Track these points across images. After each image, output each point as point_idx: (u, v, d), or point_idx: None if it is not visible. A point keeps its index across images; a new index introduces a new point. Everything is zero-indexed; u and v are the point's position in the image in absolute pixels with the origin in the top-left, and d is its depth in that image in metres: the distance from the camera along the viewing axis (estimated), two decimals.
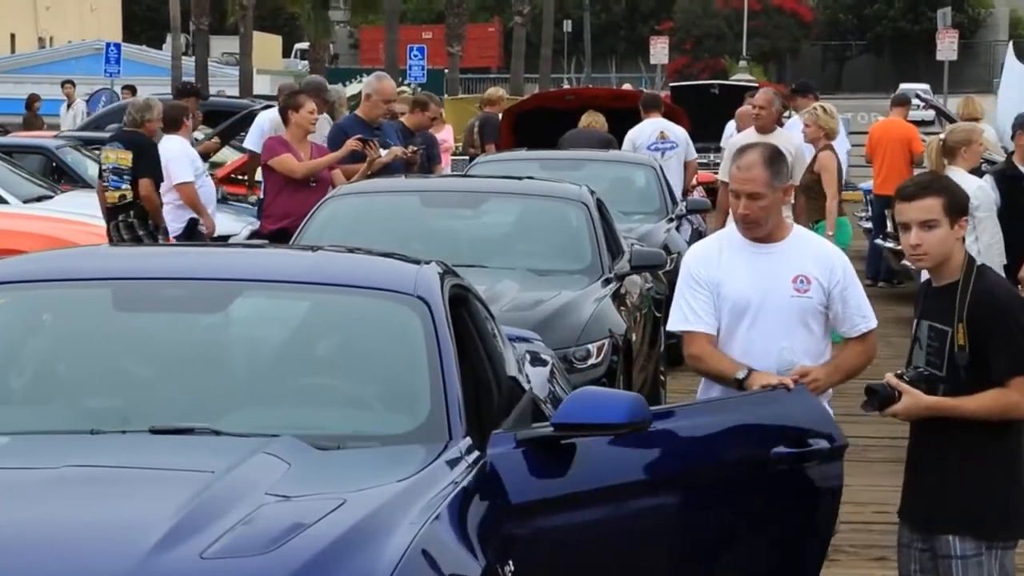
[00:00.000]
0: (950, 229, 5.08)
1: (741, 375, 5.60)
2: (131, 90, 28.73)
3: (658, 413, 5.24)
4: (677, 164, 15.46)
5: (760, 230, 5.74)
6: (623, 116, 16.76)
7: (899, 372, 5.14)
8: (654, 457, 5.09)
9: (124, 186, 11.59)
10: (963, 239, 5.18)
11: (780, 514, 5.31)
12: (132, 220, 11.60)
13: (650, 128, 15.72)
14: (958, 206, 5.13)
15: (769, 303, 5.69)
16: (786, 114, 17.10)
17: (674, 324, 5.80)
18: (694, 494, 5.19)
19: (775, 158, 5.81)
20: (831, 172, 11.46)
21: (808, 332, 5.75)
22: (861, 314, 5.81)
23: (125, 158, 11.64)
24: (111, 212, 11.73)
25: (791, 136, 12.31)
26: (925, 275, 5.45)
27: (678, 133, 15.84)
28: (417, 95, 15.61)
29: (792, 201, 11.60)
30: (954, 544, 5.05)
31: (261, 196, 13.43)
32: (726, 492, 5.24)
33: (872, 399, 5.07)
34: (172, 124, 12.26)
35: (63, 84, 29.86)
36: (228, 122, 16.92)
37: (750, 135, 11.95)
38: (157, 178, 11.77)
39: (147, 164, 11.68)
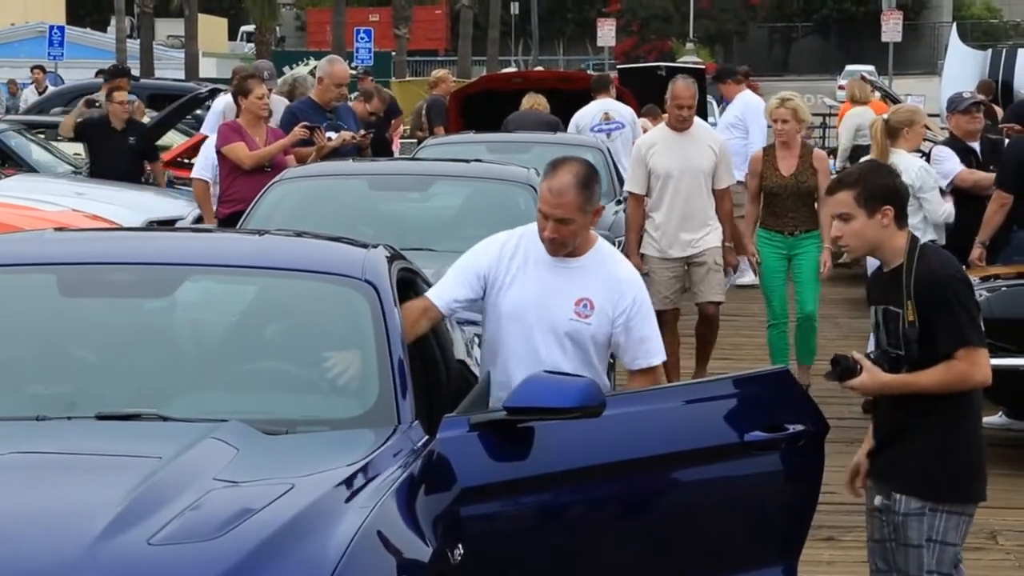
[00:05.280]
0: (868, 219, 5.20)
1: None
2: (40, 69, 28.61)
3: (625, 397, 5.25)
4: (624, 145, 15.20)
5: (565, 250, 5.60)
6: (571, 98, 16.74)
7: (867, 353, 5.30)
8: (614, 442, 5.04)
9: None
10: (895, 224, 5.22)
11: (754, 500, 5.27)
12: None
13: (594, 109, 15.63)
14: (874, 196, 5.21)
15: (544, 320, 5.53)
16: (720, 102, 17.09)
17: (431, 292, 5.62)
18: (658, 479, 5.16)
19: (590, 179, 5.55)
20: (826, 174, 10.24)
21: (577, 354, 5.54)
22: (644, 347, 5.60)
23: None
24: None
25: (713, 133, 11.27)
26: (873, 263, 5.54)
27: (624, 113, 15.65)
28: (364, 86, 15.59)
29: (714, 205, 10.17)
30: (901, 502, 5.22)
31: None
32: (693, 477, 5.19)
33: (835, 369, 5.21)
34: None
35: (32, 69, 29.52)
36: (173, 105, 16.84)
37: (662, 131, 10.61)
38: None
39: None
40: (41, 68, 28.53)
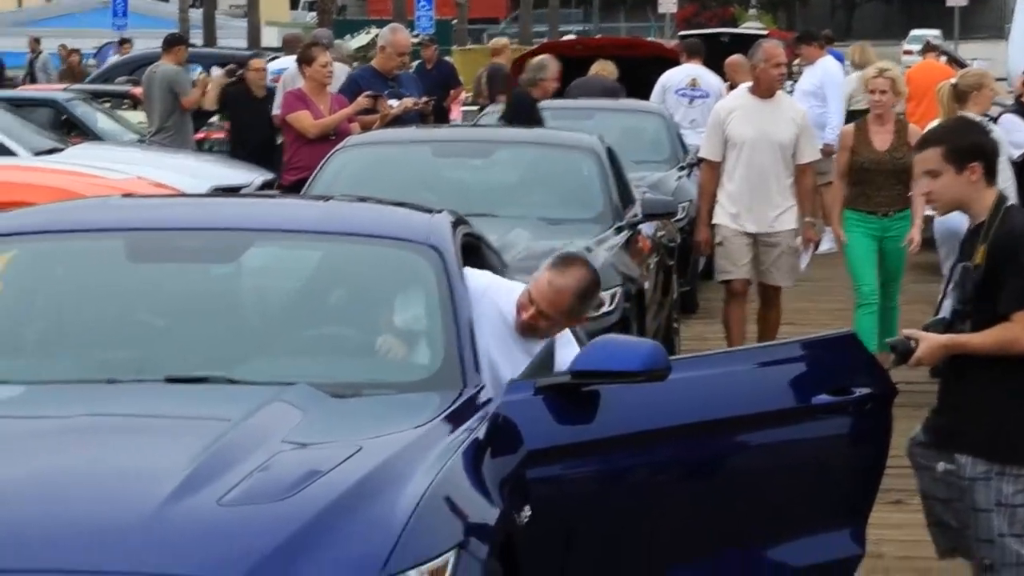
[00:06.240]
0: (956, 175, 5.17)
1: None
2: (128, 43, 28.87)
3: (690, 361, 5.24)
4: (704, 115, 14.49)
5: (534, 336, 5.37)
6: (633, 65, 16.70)
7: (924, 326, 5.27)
8: (679, 406, 5.04)
9: None
10: (984, 180, 5.18)
11: (821, 463, 5.26)
12: None
13: (683, 73, 15.56)
14: (961, 152, 5.18)
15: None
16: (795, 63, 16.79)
17: None
18: (723, 443, 5.16)
19: (590, 292, 5.38)
20: None
21: None
22: None
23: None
24: None
25: (796, 104, 10.66)
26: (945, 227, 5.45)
27: (712, 83, 15.42)
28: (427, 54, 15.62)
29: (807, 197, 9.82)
30: (966, 465, 5.18)
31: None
32: (759, 440, 5.19)
33: (895, 355, 5.17)
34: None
35: (121, 43, 29.73)
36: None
37: (743, 97, 10.06)
38: None
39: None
40: (129, 41, 28.79)
